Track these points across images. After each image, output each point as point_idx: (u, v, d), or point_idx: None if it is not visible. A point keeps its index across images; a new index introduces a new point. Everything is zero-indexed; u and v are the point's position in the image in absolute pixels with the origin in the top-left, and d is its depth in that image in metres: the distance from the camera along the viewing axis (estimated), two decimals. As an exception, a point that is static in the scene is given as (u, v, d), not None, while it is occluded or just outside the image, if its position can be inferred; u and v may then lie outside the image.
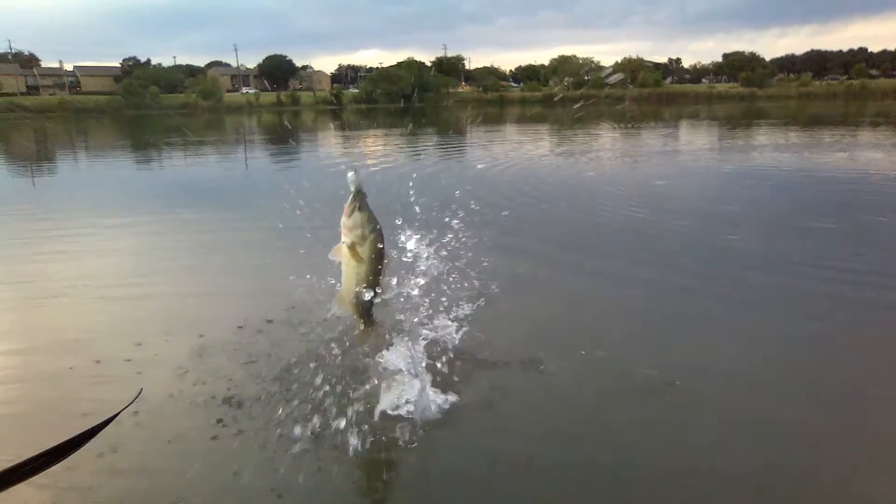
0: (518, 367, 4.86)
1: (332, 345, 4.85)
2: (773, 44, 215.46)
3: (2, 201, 14.24)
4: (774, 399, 4.48)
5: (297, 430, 3.98)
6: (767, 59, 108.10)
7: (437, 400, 4.29)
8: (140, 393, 3.84)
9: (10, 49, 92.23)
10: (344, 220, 3.83)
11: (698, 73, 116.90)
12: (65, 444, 3.12)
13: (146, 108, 69.22)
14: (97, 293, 7.03)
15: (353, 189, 3.80)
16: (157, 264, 8.38)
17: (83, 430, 3.23)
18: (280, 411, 4.21)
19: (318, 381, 4.44)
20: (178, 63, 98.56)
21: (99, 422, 3.30)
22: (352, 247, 3.81)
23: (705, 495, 3.50)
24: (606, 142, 27.09)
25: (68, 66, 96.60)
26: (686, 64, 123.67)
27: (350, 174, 3.81)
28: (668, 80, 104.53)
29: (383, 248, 3.92)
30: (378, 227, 3.89)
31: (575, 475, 3.66)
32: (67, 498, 3.49)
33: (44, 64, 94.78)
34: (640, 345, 5.44)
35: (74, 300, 6.87)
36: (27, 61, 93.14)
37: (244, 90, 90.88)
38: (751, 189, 13.55)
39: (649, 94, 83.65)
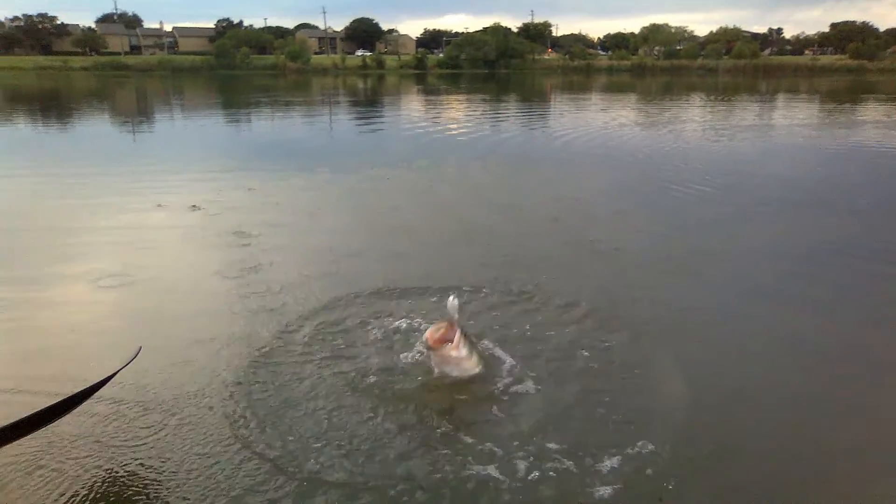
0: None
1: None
2: (890, 13, 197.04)
3: (104, 154, 15.40)
4: None
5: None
6: (881, 29, 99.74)
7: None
8: (139, 352, 3.56)
9: (116, 10, 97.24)
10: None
11: (801, 45, 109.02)
12: (62, 402, 3.20)
13: (237, 68, 71.56)
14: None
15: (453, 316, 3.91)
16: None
17: (83, 388, 3.31)
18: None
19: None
20: (268, 25, 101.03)
21: (97, 380, 3.41)
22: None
23: None
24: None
25: (167, 27, 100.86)
26: (788, 35, 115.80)
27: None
28: (767, 51, 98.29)
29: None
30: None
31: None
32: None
33: (146, 25, 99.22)
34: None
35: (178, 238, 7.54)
36: (131, 22, 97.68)
37: (358, 52, 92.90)
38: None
39: (745, 65, 79.24)
